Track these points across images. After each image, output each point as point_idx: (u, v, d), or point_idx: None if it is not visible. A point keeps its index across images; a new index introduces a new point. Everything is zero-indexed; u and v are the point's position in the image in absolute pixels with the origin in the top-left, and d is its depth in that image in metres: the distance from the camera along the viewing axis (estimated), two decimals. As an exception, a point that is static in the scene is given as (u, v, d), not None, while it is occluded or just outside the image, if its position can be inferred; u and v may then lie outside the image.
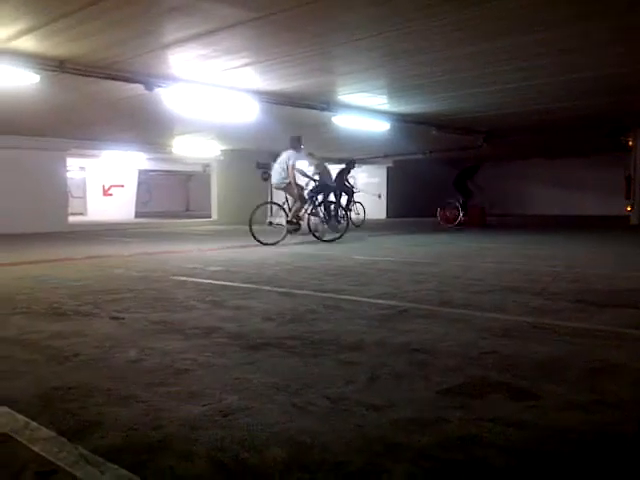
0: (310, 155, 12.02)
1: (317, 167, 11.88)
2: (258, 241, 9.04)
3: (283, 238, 9.27)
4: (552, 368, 2.41)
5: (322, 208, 10.38)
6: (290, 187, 9.39)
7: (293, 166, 9.24)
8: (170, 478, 1.49)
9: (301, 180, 9.88)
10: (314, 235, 9.95)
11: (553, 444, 1.67)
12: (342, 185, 14.10)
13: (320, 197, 10.64)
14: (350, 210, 14.25)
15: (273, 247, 8.86)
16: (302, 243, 9.62)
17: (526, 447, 1.65)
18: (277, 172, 9.44)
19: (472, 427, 1.79)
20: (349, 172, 14.53)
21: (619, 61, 7.27)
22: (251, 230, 9.07)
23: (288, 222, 9.46)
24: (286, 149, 9.50)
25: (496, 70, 7.70)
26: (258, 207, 9.41)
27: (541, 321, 3.32)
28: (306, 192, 10.01)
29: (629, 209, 13.99)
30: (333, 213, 11.29)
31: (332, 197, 12.48)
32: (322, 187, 10.72)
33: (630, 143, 13.69)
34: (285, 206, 9.76)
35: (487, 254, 7.55)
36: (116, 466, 1.54)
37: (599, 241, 9.60)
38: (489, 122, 12.45)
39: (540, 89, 8.88)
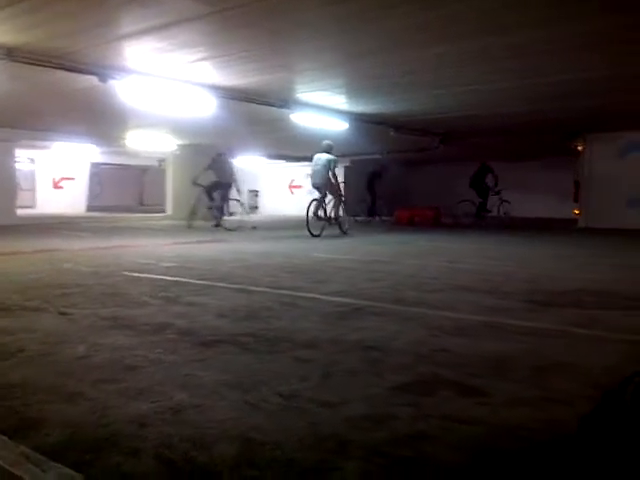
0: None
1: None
2: (310, 233, 10.26)
3: (322, 230, 10.55)
4: (502, 366, 2.46)
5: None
6: (331, 186, 10.81)
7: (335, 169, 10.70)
8: (116, 476, 1.45)
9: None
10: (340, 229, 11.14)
11: (502, 441, 1.70)
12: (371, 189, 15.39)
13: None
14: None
15: (227, 244, 8.78)
16: (264, 240, 9.57)
17: (475, 444, 1.67)
18: (319, 173, 10.71)
19: (422, 424, 1.81)
20: (380, 177, 15.53)
21: (574, 67, 7.49)
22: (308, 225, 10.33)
23: (327, 218, 10.89)
24: (321, 153, 10.81)
25: (455, 73, 7.84)
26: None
27: (492, 320, 3.39)
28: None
29: (577, 212, 14.45)
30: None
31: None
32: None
33: (579, 148, 14.13)
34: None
35: (441, 254, 7.66)
36: (59, 465, 1.49)
37: (549, 243, 9.88)
38: (446, 124, 12.65)
39: (497, 93, 9.08)
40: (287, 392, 2.08)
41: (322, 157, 10.72)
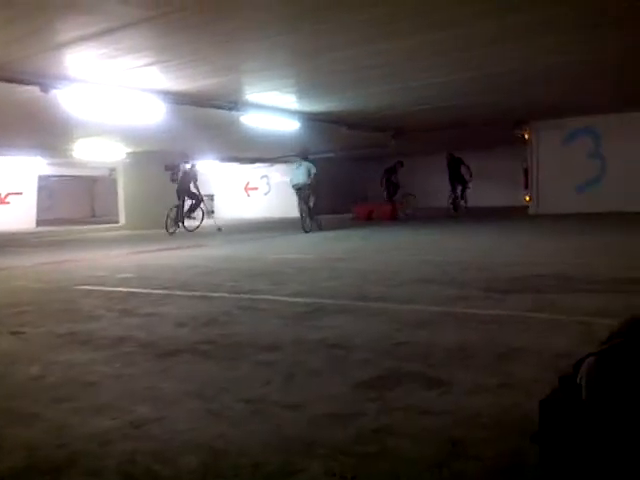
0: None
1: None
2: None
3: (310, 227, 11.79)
4: (462, 355, 2.49)
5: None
6: (311, 188, 11.92)
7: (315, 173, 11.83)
8: (76, 498, 1.41)
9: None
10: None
11: (463, 429, 1.72)
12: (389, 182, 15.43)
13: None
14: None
15: (185, 250, 8.67)
16: (223, 244, 9.48)
17: (438, 434, 1.69)
18: (302, 175, 11.82)
19: (387, 418, 1.82)
20: (395, 172, 15.46)
21: (514, 58, 7.66)
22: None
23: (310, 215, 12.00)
24: (300, 159, 12.08)
25: (401, 69, 7.92)
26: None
27: (452, 310, 3.43)
28: None
29: (527, 199, 14.81)
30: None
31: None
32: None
33: (526, 136, 14.48)
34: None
35: (400, 247, 7.74)
36: (16, 491, 1.43)
37: (503, 231, 10.09)
38: (397, 120, 12.78)
39: (443, 86, 9.20)
40: (250, 397, 2.06)
41: (303, 163, 11.94)
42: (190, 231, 13.21)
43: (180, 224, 13.25)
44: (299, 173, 11.98)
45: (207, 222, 14.11)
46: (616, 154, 13.15)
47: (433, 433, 1.70)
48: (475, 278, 4.66)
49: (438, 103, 10.69)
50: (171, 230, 13.03)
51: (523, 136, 14.52)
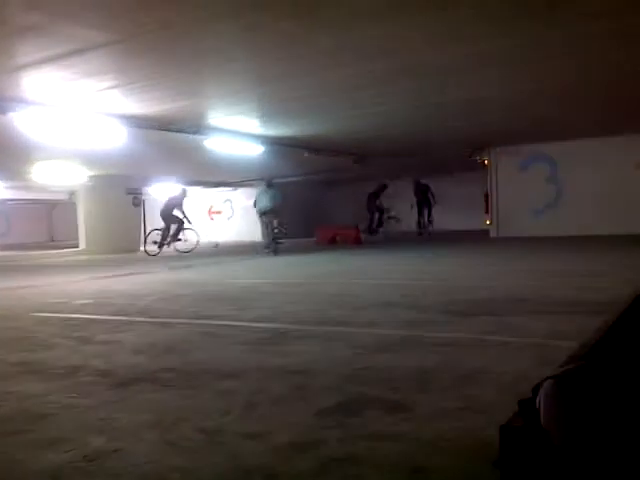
0: None
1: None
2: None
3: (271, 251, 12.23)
4: (423, 379, 2.50)
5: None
6: (274, 213, 12.59)
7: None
8: (24, 539, 1.34)
9: None
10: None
11: (426, 455, 1.71)
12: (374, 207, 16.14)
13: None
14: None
15: (146, 275, 8.52)
16: (178, 269, 9.36)
17: (400, 461, 1.68)
18: (267, 201, 12.47)
19: (349, 446, 1.80)
20: (378, 195, 16.20)
21: (468, 87, 7.87)
22: None
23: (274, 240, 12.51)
24: (266, 185, 12.74)
25: (359, 96, 8.07)
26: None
27: (412, 333, 3.45)
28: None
29: (488, 223, 15.12)
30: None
31: None
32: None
33: (485, 162, 14.84)
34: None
35: (362, 272, 7.78)
36: (-41, 533, 1.36)
37: (464, 254, 10.25)
38: (357, 145, 12.95)
39: (400, 113, 9.41)
40: (209, 427, 2.02)
41: (269, 190, 12.61)
42: (185, 252, 13.57)
43: (168, 246, 13.85)
44: (264, 199, 12.54)
45: (172, 247, 14.04)
46: (571, 180, 13.58)
47: (396, 460, 1.68)
48: (436, 301, 4.70)
49: (398, 129, 10.89)
50: (153, 253, 13.41)
51: (483, 162, 14.89)
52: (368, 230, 16.37)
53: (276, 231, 12.78)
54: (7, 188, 18.11)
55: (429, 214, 16.49)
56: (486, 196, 15.23)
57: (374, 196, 16.55)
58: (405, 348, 3.12)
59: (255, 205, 12.75)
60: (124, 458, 1.78)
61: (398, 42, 5.82)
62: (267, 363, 2.90)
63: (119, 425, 2.08)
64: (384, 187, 16.69)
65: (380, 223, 16.70)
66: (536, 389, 1.52)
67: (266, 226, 12.78)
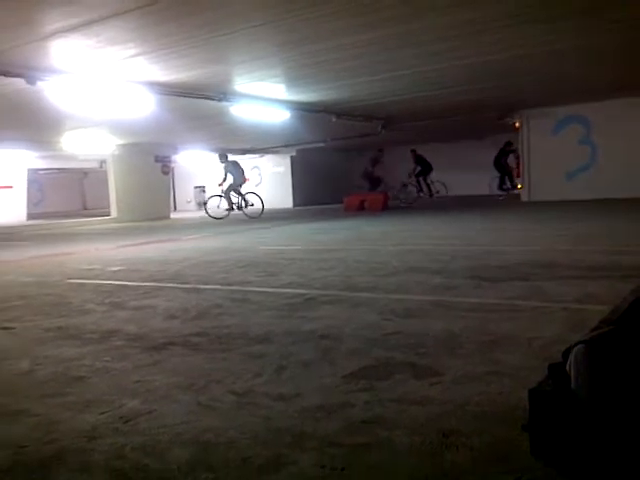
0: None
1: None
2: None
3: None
4: (451, 343, 2.50)
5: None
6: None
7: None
8: (65, 495, 1.40)
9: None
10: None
11: (454, 419, 1.72)
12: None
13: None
14: None
15: (177, 242, 8.64)
16: (214, 236, 9.45)
17: (428, 424, 1.69)
18: (240, 175, 14.44)
19: (377, 409, 1.82)
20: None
21: (501, 47, 7.64)
22: None
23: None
24: (235, 160, 14.66)
25: (388, 58, 7.88)
26: None
27: (441, 299, 3.44)
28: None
29: (519, 187, 14.86)
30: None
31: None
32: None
33: (517, 125, 14.50)
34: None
35: (391, 237, 7.75)
36: (3, 489, 1.43)
37: (493, 218, 10.11)
38: (386, 109, 12.74)
39: (431, 76, 9.19)
40: (240, 389, 2.06)
41: (238, 165, 14.39)
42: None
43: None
44: (236, 172, 14.28)
45: (198, 213, 14.34)
46: (606, 141, 13.20)
47: (424, 423, 1.70)
48: (464, 266, 4.66)
49: (428, 92, 10.66)
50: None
51: (514, 124, 14.54)
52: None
53: (243, 202, 14.39)
54: (39, 158, 18.38)
55: (425, 181, 16.66)
56: (517, 159, 14.94)
57: (373, 162, 16.75)
58: (433, 313, 3.11)
59: (225, 180, 14.05)
60: (158, 419, 1.83)
61: (429, 2, 5.65)
62: (296, 328, 2.94)
63: (152, 387, 2.14)
64: (379, 154, 16.86)
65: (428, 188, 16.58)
66: (567, 353, 1.51)
67: (237, 198, 14.35)
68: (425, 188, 16.61)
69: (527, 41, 7.43)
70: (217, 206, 14.52)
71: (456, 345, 2.47)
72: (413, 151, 16.73)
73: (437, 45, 7.34)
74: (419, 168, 16.59)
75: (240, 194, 14.63)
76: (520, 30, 6.90)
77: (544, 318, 2.87)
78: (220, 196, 14.57)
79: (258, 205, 14.60)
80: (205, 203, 14.93)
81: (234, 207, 14.52)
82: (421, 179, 16.56)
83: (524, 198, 14.44)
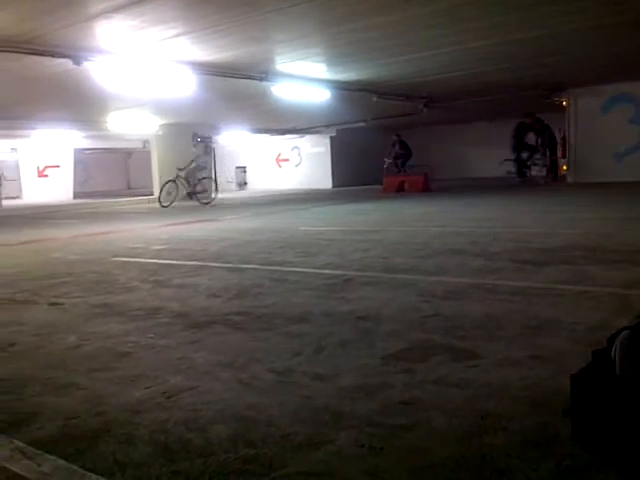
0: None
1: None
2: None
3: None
4: (492, 327, 2.47)
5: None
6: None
7: None
8: (111, 465, 1.45)
9: None
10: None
11: (493, 402, 1.71)
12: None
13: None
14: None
15: (218, 222, 8.75)
16: (253, 216, 9.54)
17: (467, 407, 1.69)
18: (210, 160, 14.47)
19: (415, 390, 1.82)
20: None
21: (549, 23, 7.40)
22: None
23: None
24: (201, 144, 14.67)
25: (431, 35, 7.74)
26: None
27: (481, 282, 3.40)
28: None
29: (565, 168, 14.45)
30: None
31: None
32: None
33: (564, 104, 14.05)
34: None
35: (430, 219, 7.67)
36: (54, 457, 1.49)
37: (537, 200, 9.89)
38: (428, 87, 12.53)
39: (474, 53, 8.97)
40: (280, 368, 2.09)
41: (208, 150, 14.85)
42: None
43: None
44: (209, 160, 14.49)
45: (239, 194, 14.42)
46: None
47: (462, 406, 1.69)
48: (505, 249, 4.59)
49: (472, 69, 10.42)
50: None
51: (561, 103, 14.09)
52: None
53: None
54: (85, 137, 18.78)
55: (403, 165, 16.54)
56: (563, 140, 14.49)
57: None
58: (474, 296, 3.08)
59: (198, 168, 13.82)
60: (200, 395, 1.87)
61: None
62: (334, 308, 2.95)
63: (195, 364, 2.19)
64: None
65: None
66: (612, 339, 1.48)
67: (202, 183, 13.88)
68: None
69: (574, 16, 7.17)
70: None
71: (496, 328, 2.44)
72: (398, 135, 16.77)
73: (483, 21, 7.15)
74: (402, 152, 16.64)
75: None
76: (569, 4, 6.66)
77: (588, 303, 2.81)
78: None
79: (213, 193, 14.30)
80: (245, 183, 15.02)
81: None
82: (399, 162, 16.57)
83: (570, 179, 14.05)
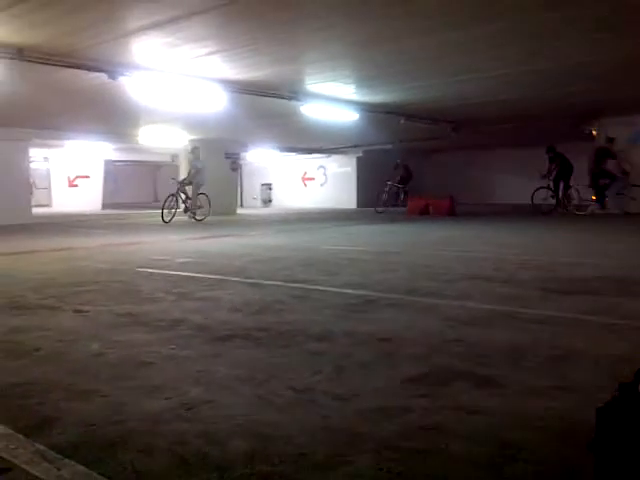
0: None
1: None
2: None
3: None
4: (515, 355, 2.44)
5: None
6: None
7: None
8: (130, 474, 1.46)
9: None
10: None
11: (515, 431, 1.68)
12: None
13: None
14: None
15: (242, 238, 8.81)
16: (278, 233, 9.59)
17: (488, 435, 1.66)
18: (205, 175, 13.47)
19: (435, 416, 1.80)
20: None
21: (581, 51, 7.37)
22: None
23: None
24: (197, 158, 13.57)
25: (461, 60, 7.75)
26: None
27: (506, 309, 3.36)
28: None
29: (594, 198, 14.24)
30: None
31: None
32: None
33: (594, 133, 13.91)
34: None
35: (455, 243, 7.62)
36: (73, 462, 1.50)
37: (563, 229, 9.78)
38: (457, 112, 12.53)
39: (505, 79, 8.96)
40: (299, 386, 2.09)
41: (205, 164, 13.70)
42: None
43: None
44: (205, 174, 13.56)
45: (263, 210, 14.38)
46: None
47: (483, 434, 1.67)
48: (531, 277, 4.53)
49: (503, 95, 10.40)
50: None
51: (591, 132, 13.95)
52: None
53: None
54: (115, 150, 19.15)
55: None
56: (591, 170, 14.28)
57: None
58: (498, 323, 3.05)
59: (194, 179, 13.21)
60: (219, 409, 1.88)
61: (510, 3, 5.53)
62: (356, 329, 2.94)
63: (214, 378, 2.20)
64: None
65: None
66: (639, 373, 1.45)
67: (198, 199, 13.37)
68: (402, 196, 16.87)
69: (605, 45, 7.13)
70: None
71: (520, 357, 2.41)
72: (402, 160, 17.17)
73: (513, 48, 7.15)
74: (405, 175, 17.01)
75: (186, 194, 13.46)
76: (599, 34, 6.64)
77: (613, 335, 2.76)
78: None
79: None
80: (270, 200, 14.70)
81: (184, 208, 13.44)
82: (401, 189, 16.84)
83: (597, 209, 13.84)
